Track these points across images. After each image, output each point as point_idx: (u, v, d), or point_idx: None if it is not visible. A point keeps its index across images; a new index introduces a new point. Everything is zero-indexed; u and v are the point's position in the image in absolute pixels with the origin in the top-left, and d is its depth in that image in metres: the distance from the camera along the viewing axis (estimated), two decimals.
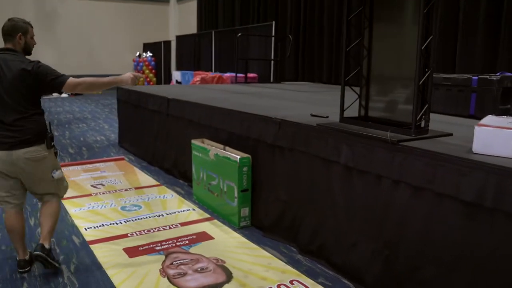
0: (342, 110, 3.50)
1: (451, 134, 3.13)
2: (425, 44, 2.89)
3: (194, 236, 3.97)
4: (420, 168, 2.62)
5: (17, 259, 3.33)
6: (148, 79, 19.07)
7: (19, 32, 3.19)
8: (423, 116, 3.06)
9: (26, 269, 3.31)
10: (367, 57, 3.43)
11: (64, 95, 17.87)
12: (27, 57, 3.25)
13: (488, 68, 6.81)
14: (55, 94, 17.41)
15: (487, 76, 4.15)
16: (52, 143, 3.26)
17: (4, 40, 3.20)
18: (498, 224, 2.27)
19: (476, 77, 4.18)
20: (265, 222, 4.10)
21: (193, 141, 4.92)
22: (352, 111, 3.48)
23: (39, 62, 3.18)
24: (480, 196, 2.31)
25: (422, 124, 3.07)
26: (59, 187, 3.43)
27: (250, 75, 11.34)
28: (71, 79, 3.20)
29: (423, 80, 2.92)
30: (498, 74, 4.31)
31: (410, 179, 2.69)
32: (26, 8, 18.36)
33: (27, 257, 3.33)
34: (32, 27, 3.31)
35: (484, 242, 2.34)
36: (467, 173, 2.36)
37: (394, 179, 2.79)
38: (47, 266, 3.23)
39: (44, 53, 18.12)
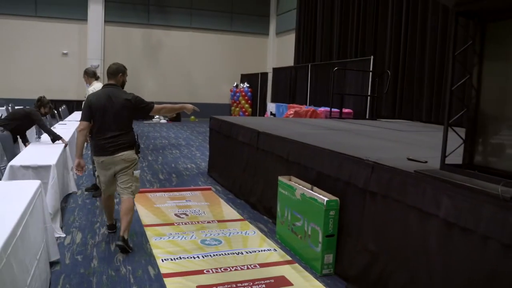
0: (443, 156, 3.12)
1: None
2: None
3: (272, 280, 3.73)
4: None
5: (107, 224, 4.81)
6: (243, 109, 19.32)
7: (120, 72, 4.46)
8: None
9: (113, 230, 4.76)
10: (476, 97, 3.05)
11: (163, 120, 18.69)
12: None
13: None
14: (155, 120, 18.38)
15: None
16: (139, 150, 4.46)
17: (108, 77, 4.45)
18: None
19: None
20: (349, 272, 3.76)
21: (280, 178, 4.72)
22: (455, 157, 3.09)
23: (134, 94, 4.39)
24: None
25: None
26: (135, 183, 4.46)
27: (345, 110, 11.03)
28: (155, 106, 4.54)
29: None
30: None
31: None
32: (135, 40, 19.52)
33: (113, 222, 4.80)
34: (126, 69, 4.56)
35: None
36: None
37: (506, 243, 2.37)
38: (124, 252, 4.21)
39: (148, 81, 19.14)
